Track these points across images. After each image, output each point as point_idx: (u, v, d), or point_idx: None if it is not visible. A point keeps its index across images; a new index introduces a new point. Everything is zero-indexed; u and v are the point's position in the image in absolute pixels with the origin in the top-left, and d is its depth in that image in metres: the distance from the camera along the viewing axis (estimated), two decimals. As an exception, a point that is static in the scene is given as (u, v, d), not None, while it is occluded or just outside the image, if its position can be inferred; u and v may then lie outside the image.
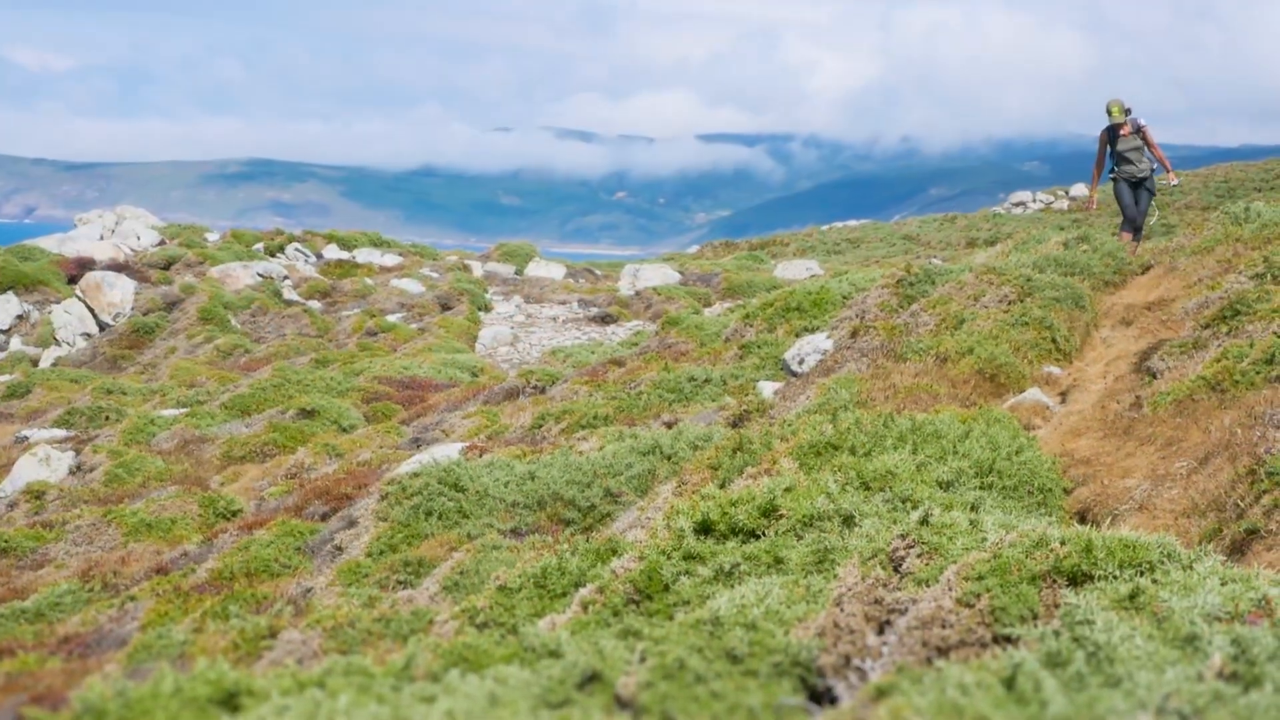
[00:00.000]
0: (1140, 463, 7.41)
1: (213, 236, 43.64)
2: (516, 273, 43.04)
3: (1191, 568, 3.83)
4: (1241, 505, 5.82)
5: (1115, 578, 3.81)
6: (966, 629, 3.64)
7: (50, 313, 35.78)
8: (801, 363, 12.89)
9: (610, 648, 3.98)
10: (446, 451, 12.51)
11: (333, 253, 43.29)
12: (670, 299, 35.83)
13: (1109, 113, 15.53)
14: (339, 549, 10.32)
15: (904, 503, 5.64)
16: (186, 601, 10.20)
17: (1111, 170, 15.88)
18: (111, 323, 36.30)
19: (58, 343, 35.11)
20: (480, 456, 11.72)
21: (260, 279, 38.60)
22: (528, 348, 34.08)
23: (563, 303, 39.69)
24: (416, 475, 10.87)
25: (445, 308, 36.89)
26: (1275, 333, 8.09)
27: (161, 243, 42.62)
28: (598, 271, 44.05)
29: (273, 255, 41.60)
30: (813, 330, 14.73)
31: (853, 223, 62.94)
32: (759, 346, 15.62)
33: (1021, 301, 11.91)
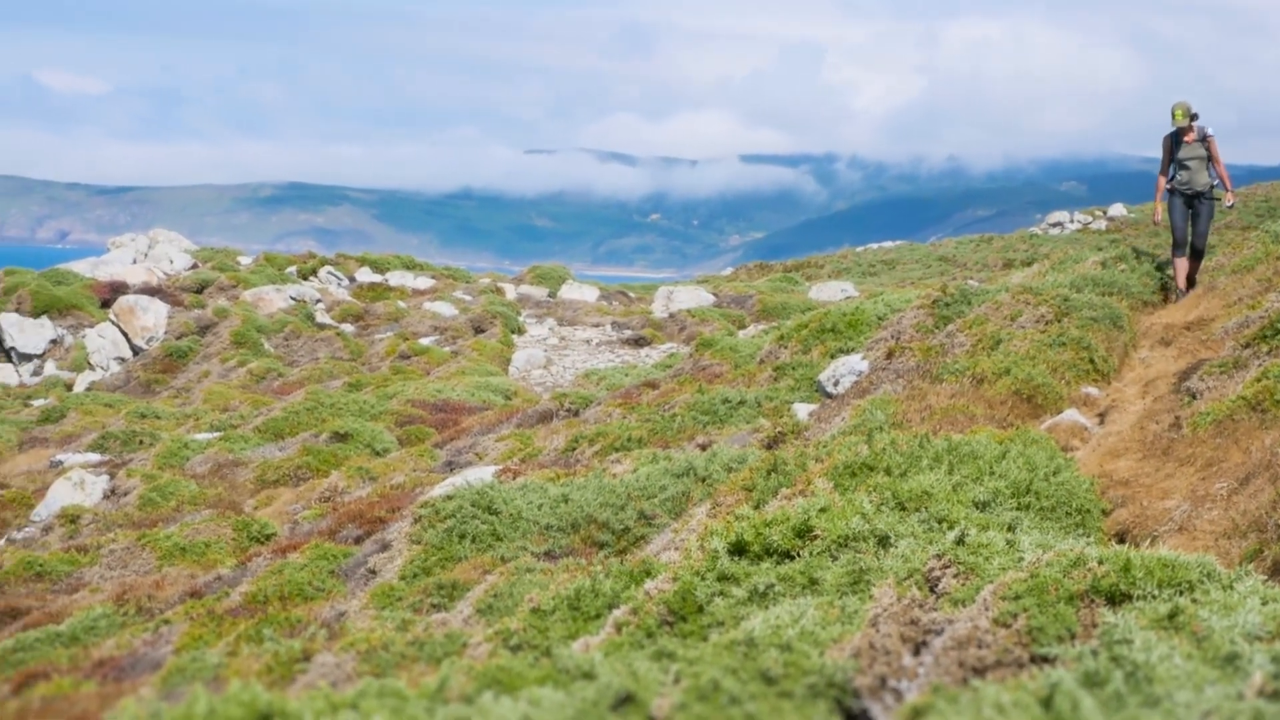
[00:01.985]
0: (1179, 484, 7.36)
1: (245, 260, 44.15)
2: (550, 295, 43.20)
3: (1232, 587, 3.79)
4: None
5: (1154, 597, 3.78)
6: (1003, 649, 3.61)
7: (84, 337, 36.29)
8: (837, 384, 12.90)
9: (644, 669, 4.01)
10: (480, 474, 12.57)
11: (365, 276, 43.66)
12: (704, 321, 35.81)
13: (1173, 116, 14.58)
14: (372, 572, 10.39)
15: (940, 523, 5.59)
16: (220, 625, 10.29)
17: (1170, 180, 14.95)
18: (145, 347, 36.76)
19: (91, 367, 35.59)
20: (514, 479, 11.78)
21: (293, 302, 38.99)
22: (561, 370, 34.16)
23: (596, 325, 39.75)
24: (450, 498, 10.94)
25: (478, 330, 37.09)
26: None
27: (195, 266, 43.20)
28: (631, 294, 44.15)
29: (305, 279, 42.02)
30: (848, 352, 14.68)
31: (888, 244, 62.72)
32: (793, 368, 15.53)
33: (1059, 321, 11.81)
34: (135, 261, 42.55)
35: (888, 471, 6.90)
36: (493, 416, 23.04)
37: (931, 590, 4.38)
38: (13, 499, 18.70)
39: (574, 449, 15.72)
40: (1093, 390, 10.70)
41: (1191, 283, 14.47)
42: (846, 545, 5.38)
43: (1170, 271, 15.05)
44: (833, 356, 15.02)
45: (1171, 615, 3.56)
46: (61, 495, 17.65)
